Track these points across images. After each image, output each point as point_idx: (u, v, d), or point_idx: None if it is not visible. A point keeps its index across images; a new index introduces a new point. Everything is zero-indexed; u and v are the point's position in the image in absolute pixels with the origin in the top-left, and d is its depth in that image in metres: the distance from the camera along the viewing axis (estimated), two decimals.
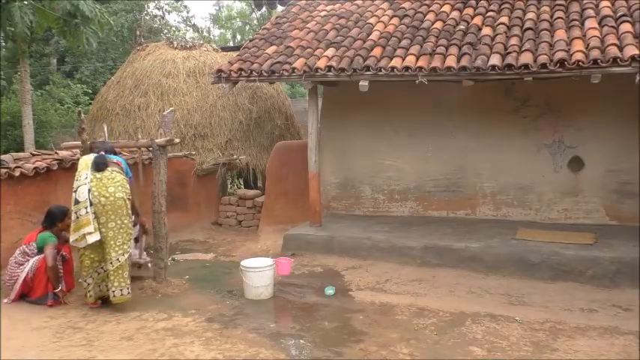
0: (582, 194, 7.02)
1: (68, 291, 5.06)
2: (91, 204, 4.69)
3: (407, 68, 5.98)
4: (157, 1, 20.94)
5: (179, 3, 22.93)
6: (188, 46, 9.82)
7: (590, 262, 5.50)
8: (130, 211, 4.90)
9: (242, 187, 9.95)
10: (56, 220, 5.07)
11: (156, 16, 20.78)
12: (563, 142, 7.09)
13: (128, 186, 4.97)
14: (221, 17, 27.44)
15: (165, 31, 20.26)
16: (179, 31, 22.39)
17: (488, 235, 6.45)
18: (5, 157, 5.71)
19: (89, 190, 4.72)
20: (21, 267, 4.88)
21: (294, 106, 10.99)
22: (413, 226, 7.08)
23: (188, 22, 23.92)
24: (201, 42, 10.84)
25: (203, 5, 49.37)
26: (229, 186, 9.69)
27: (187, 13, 25.40)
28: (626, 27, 5.63)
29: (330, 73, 6.37)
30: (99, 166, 4.84)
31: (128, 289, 4.82)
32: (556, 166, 7.14)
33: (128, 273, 4.87)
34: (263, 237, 7.63)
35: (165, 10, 21.35)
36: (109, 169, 4.90)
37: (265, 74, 6.68)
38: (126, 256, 4.83)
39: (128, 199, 4.88)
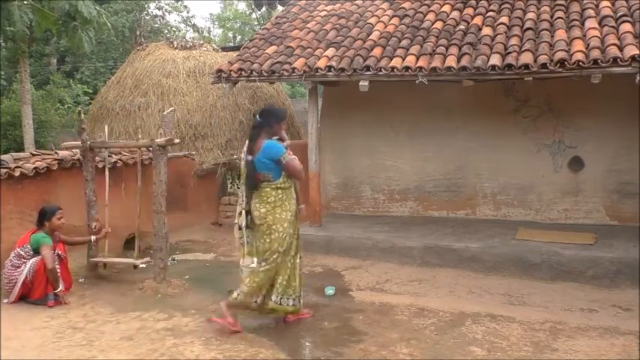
0: (582, 194, 7.02)
1: (67, 290, 5.06)
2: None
3: (407, 68, 5.98)
4: (157, 1, 20.96)
5: (179, 3, 22.96)
6: (188, 46, 9.82)
7: (591, 262, 5.50)
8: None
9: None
10: (44, 219, 5.04)
11: (156, 16, 20.81)
12: (563, 142, 7.10)
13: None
14: (224, 17, 27.44)
15: (166, 31, 20.27)
16: (179, 31, 22.41)
17: (489, 235, 6.45)
18: (5, 157, 5.70)
19: None
20: (18, 269, 4.85)
21: (294, 106, 10.98)
22: (413, 226, 7.08)
23: (188, 22, 23.95)
24: (202, 42, 10.84)
25: (203, 5, 49.36)
26: (229, 186, 9.67)
27: (187, 13, 25.46)
28: (626, 27, 5.62)
29: (330, 73, 6.37)
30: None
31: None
32: (556, 166, 7.14)
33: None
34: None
35: (166, 10, 21.37)
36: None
37: (265, 74, 6.68)
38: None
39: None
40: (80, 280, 5.57)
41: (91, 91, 16.55)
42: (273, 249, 4.25)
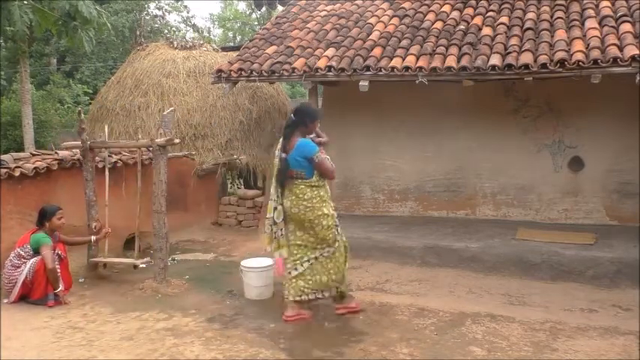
0: (582, 194, 7.03)
1: (67, 290, 5.06)
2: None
3: (407, 68, 5.98)
4: (157, 1, 20.97)
5: (179, 3, 22.97)
6: (188, 46, 9.81)
7: (591, 262, 5.50)
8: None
9: (242, 187, 9.94)
10: (44, 219, 5.04)
11: (156, 16, 20.82)
12: (563, 142, 7.10)
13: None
14: (224, 17, 27.46)
15: (166, 31, 20.28)
16: (179, 31, 22.42)
17: (489, 235, 6.45)
18: (5, 157, 5.70)
19: None
20: (18, 269, 4.85)
21: (294, 106, 10.96)
22: (413, 226, 7.07)
23: (188, 22, 23.96)
24: (202, 42, 10.83)
25: (203, 5, 49.36)
26: (229, 186, 9.68)
27: (187, 13, 25.47)
28: (626, 27, 5.63)
29: (330, 73, 6.37)
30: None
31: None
32: (556, 166, 7.14)
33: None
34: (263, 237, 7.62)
35: (166, 10, 21.38)
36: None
37: (265, 74, 6.68)
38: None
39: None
40: (80, 280, 5.57)
41: (91, 91, 16.57)
42: (328, 240, 4.45)
